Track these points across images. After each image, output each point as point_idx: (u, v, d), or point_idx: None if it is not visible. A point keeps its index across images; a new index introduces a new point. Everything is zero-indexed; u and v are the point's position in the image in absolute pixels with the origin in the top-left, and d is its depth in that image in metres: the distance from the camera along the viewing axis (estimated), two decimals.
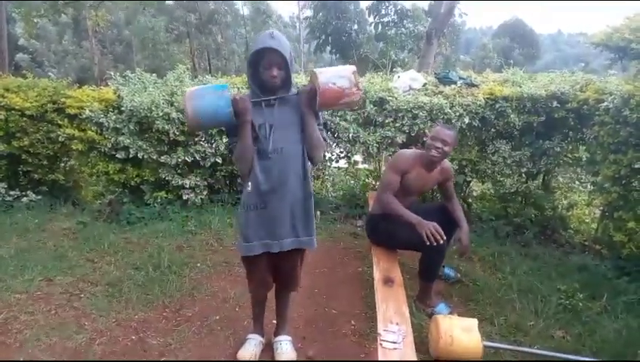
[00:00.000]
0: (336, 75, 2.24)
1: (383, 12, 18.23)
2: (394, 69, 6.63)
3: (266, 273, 2.57)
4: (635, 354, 2.78)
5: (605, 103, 3.91)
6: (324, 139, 2.42)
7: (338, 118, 4.74)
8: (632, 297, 3.45)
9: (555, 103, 4.34)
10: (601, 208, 4.51)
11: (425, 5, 17.50)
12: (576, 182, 5.00)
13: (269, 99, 2.29)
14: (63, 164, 5.30)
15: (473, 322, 2.68)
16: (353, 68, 2.29)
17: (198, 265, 3.89)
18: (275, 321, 2.86)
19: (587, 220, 4.96)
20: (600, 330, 3.06)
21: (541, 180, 4.88)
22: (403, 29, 18.55)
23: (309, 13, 20.75)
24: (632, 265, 3.82)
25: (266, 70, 2.22)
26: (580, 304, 3.32)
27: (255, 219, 2.38)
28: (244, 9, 27.34)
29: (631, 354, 2.79)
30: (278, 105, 2.31)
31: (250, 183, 2.35)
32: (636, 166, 3.65)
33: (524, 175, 4.74)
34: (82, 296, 3.37)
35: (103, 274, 3.70)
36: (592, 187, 4.51)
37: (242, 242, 2.43)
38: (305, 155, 2.36)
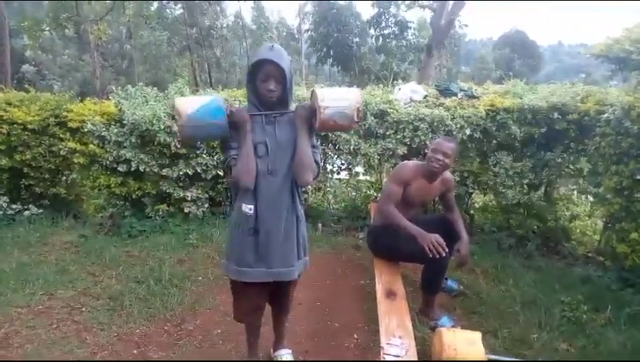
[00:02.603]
0: (340, 112, 2.12)
1: (384, 24, 18.33)
2: (395, 81, 6.64)
3: (258, 299, 2.44)
4: None
5: (606, 115, 3.91)
6: (317, 163, 2.26)
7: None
8: (636, 309, 3.42)
9: (556, 115, 4.34)
10: (604, 219, 4.49)
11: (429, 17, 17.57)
12: (578, 193, 4.98)
13: (269, 113, 2.19)
14: (64, 178, 5.31)
15: (477, 335, 2.66)
16: (358, 101, 2.15)
17: (200, 278, 3.88)
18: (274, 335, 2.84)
19: (589, 232, 4.94)
20: (604, 342, 3.04)
21: (543, 191, 4.86)
22: (404, 41, 18.64)
23: (306, 26, 20.86)
24: (635, 277, 3.80)
25: (262, 83, 2.13)
26: (584, 316, 3.31)
27: (250, 243, 2.25)
28: (246, 19, 27.58)
29: None
30: (277, 123, 2.21)
31: (250, 206, 2.21)
32: (638, 177, 3.64)
33: (525, 186, 4.72)
34: (84, 309, 3.37)
35: (105, 287, 3.69)
36: (594, 198, 4.50)
37: (234, 266, 2.30)
38: None
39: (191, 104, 2.09)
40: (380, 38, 18.71)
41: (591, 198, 4.68)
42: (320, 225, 5.05)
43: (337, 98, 2.14)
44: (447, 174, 3.35)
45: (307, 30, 21.03)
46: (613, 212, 3.94)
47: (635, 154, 3.71)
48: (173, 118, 4.69)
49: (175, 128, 4.61)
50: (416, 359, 2.30)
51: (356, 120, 2.18)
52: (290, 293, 2.58)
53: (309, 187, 5.23)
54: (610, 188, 3.91)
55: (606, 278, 3.93)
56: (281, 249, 2.27)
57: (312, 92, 2.22)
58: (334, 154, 4.91)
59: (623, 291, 3.71)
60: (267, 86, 2.12)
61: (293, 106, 2.26)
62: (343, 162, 5.09)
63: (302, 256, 2.41)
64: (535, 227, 4.60)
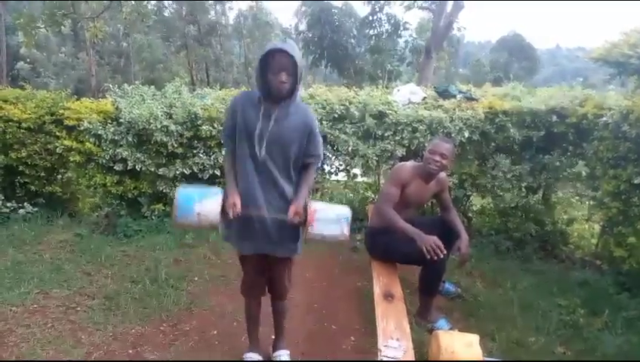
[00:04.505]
0: (325, 231, 2.33)
1: (376, 24, 18.29)
2: (392, 81, 6.65)
3: (254, 275, 2.57)
4: None
5: (604, 118, 3.92)
6: (319, 155, 2.47)
7: (337, 131, 4.74)
8: (632, 313, 3.43)
9: (554, 118, 4.34)
10: (601, 223, 4.49)
11: (428, 18, 17.51)
12: (576, 197, 4.99)
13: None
14: (60, 176, 5.26)
15: (474, 338, 2.65)
16: (345, 227, 2.36)
17: (196, 278, 3.86)
18: (273, 337, 2.83)
19: (587, 235, 4.94)
20: (601, 346, 3.05)
21: (541, 195, 4.86)
22: (399, 40, 18.62)
23: (302, 27, 20.72)
24: (632, 281, 3.80)
25: (274, 75, 2.13)
26: (581, 320, 3.31)
27: (241, 220, 2.33)
28: (245, 19, 27.50)
29: None
30: (279, 116, 2.26)
31: (239, 185, 2.37)
32: (636, 181, 3.65)
33: (524, 189, 4.73)
34: (79, 309, 3.34)
35: (100, 287, 3.67)
36: (591, 202, 4.50)
37: (225, 229, 2.46)
38: (294, 170, 2.38)
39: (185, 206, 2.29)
40: (373, 38, 18.63)
41: (589, 202, 4.68)
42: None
43: (325, 228, 2.33)
44: (442, 174, 3.35)
45: (301, 32, 20.92)
46: (611, 216, 3.95)
47: (633, 159, 3.72)
48: (170, 117, 4.67)
49: (172, 127, 4.59)
50: (413, 361, 2.29)
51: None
52: (283, 278, 2.59)
53: None
54: (608, 192, 3.91)
55: (603, 282, 3.93)
56: (265, 227, 2.37)
57: (306, 205, 2.36)
58: (332, 155, 4.89)
59: (620, 295, 3.71)
60: (280, 78, 2.13)
61: (298, 100, 2.34)
62: (341, 163, 5.07)
63: (295, 240, 2.47)
64: (533, 230, 4.59)
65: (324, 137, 4.70)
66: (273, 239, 2.39)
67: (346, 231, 2.35)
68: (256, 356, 2.73)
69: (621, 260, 3.87)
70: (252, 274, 2.58)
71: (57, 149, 4.91)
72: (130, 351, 2.88)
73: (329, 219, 2.33)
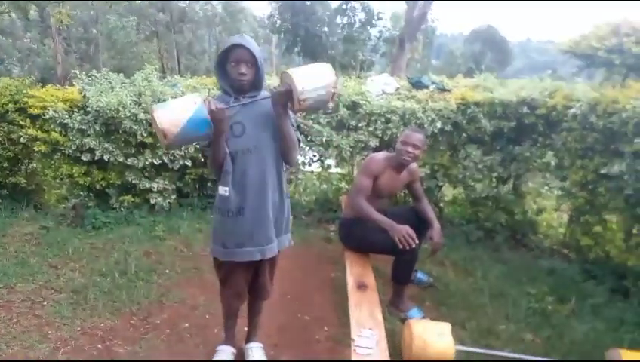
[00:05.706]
0: (315, 87, 2.10)
1: (350, 13, 18.22)
2: (364, 71, 6.64)
3: (242, 284, 2.49)
4: (602, 356, 2.82)
5: (573, 110, 3.98)
6: (298, 140, 2.34)
7: (311, 122, 4.71)
8: (598, 300, 3.54)
9: (525, 109, 4.39)
10: (569, 213, 4.59)
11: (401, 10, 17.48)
12: (545, 187, 5.08)
13: (244, 102, 2.21)
14: (24, 167, 5.10)
15: (446, 326, 2.69)
16: (333, 76, 2.15)
17: (167, 271, 3.80)
18: (246, 328, 2.80)
19: (555, 225, 5.05)
20: (568, 333, 3.13)
21: (511, 185, 4.94)
22: (372, 30, 18.60)
23: (275, 14, 20.37)
24: (598, 269, 3.91)
25: (234, 67, 2.18)
26: (549, 307, 3.40)
27: (234, 224, 2.28)
28: (217, 7, 27.08)
29: (598, 356, 2.84)
30: (251, 105, 2.24)
31: (226, 187, 2.24)
32: (602, 171, 3.73)
33: (494, 180, 4.79)
34: (45, 303, 3.25)
35: (67, 280, 3.58)
36: (560, 192, 4.59)
37: (221, 248, 2.34)
38: (279, 155, 2.32)
39: (175, 121, 1.99)
40: (346, 27, 18.56)
41: (557, 192, 4.77)
42: (291, 217, 4.99)
43: (312, 81, 2.11)
44: (413, 164, 3.39)
45: (272, 15, 20.60)
46: (578, 205, 4.04)
47: (599, 149, 3.81)
48: (139, 105, 4.55)
49: (141, 116, 4.48)
50: (386, 350, 2.30)
51: (333, 93, 2.17)
52: (269, 274, 2.56)
53: None
54: (575, 182, 4.00)
55: (571, 270, 4.02)
56: (266, 226, 2.33)
57: (283, 74, 2.22)
58: (306, 145, 4.86)
59: (587, 283, 3.81)
60: (239, 70, 2.17)
61: (265, 93, 2.31)
62: (315, 154, 5.05)
63: (287, 231, 2.50)
64: (503, 220, 4.67)
65: (298, 127, 4.67)
66: (269, 236, 2.35)
67: (332, 93, 2.15)
68: (229, 348, 2.70)
69: (587, 249, 3.97)
70: (239, 284, 2.48)
71: (21, 139, 4.74)
72: (100, 346, 2.82)
73: (315, 85, 2.11)
